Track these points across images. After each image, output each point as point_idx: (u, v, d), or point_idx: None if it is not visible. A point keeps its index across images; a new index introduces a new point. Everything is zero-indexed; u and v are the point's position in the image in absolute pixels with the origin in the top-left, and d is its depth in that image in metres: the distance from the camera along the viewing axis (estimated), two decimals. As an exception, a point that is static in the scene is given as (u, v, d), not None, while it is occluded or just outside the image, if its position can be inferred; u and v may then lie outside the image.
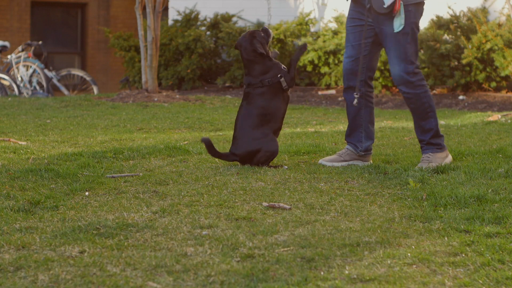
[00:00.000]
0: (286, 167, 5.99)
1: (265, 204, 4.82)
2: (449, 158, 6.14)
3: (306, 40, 14.18)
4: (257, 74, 6.11)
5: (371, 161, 6.24)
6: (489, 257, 3.82)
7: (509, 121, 9.35)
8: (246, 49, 6.15)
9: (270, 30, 6.27)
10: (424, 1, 5.96)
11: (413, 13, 5.93)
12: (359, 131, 6.20)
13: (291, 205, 4.82)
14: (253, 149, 5.98)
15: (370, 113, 6.22)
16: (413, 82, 5.99)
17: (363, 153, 6.20)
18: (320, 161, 6.20)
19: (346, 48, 6.17)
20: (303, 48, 6.25)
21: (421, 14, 6.00)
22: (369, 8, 5.95)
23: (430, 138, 6.08)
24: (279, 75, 6.10)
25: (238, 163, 6.08)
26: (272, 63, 6.15)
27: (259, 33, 6.20)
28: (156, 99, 11.80)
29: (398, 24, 5.88)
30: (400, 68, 5.97)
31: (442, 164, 5.94)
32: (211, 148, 5.98)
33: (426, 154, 6.08)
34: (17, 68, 14.77)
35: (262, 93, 6.09)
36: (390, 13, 5.88)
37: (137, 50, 15.05)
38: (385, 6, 5.85)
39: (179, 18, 15.28)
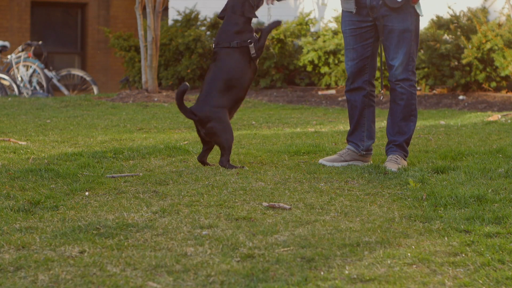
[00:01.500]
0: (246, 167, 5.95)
1: (265, 204, 4.82)
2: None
3: (306, 40, 14.17)
4: (231, 33, 6.02)
5: (371, 161, 6.24)
6: (489, 257, 3.82)
7: (509, 121, 9.35)
8: (234, 8, 6.04)
9: None
10: None
11: (418, 9, 5.99)
12: (362, 130, 6.21)
13: (291, 205, 4.81)
14: (208, 116, 5.92)
15: (373, 112, 6.23)
16: (412, 81, 6.03)
17: (364, 153, 6.20)
18: (321, 161, 6.19)
19: (347, 51, 6.15)
20: (276, 22, 6.12)
21: (419, 5, 6.04)
22: (381, 4, 5.95)
23: (403, 141, 6.06)
24: (249, 40, 6.03)
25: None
26: (249, 29, 6.05)
27: None
28: (156, 99, 11.80)
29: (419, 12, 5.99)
30: (403, 65, 6.00)
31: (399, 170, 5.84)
32: (181, 98, 5.88)
33: (394, 155, 6.02)
34: (17, 68, 14.77)
35: (229, 54, 6.01)
36: (401, 8, 5.90)
37: (137, 50, 15.05)
38: (399, 0, 5.88)
39: (179, 18, 15.28)
